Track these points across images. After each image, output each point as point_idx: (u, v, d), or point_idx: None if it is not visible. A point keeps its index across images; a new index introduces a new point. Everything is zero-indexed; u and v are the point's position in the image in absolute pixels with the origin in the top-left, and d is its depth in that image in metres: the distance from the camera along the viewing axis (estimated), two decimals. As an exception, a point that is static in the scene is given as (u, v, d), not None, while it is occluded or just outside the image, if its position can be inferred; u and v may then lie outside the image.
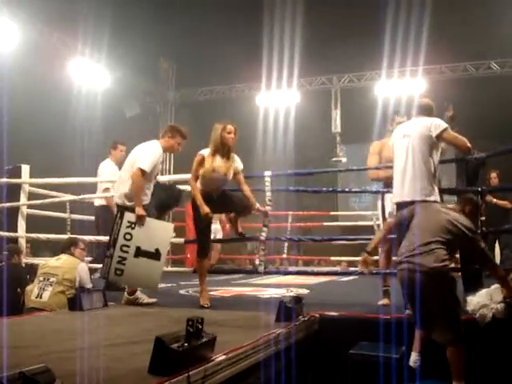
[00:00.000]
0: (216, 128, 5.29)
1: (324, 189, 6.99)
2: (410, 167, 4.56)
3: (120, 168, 5.84)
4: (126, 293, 5.16)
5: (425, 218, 3.95)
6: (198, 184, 5.15)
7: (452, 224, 3.81)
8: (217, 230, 9.97)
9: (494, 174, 8.08)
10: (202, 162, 5.15)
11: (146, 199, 5.06)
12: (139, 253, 4.78)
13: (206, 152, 5.22)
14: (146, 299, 5.16)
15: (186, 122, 16.78)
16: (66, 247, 5.64)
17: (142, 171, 4.95)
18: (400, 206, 4.53)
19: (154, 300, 5.20)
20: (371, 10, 11.06)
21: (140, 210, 4.85)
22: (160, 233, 4.94)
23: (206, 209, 4.93)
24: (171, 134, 5.35)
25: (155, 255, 4.81)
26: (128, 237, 4.79)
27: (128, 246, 4.78)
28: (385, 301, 5.12)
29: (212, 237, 9.85)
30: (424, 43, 11.58)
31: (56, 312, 4.84)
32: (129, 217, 4.83)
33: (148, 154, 5.11)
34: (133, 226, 4.81)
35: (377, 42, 11.69)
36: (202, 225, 5.19)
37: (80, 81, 12.88)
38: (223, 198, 5.26)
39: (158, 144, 5.28)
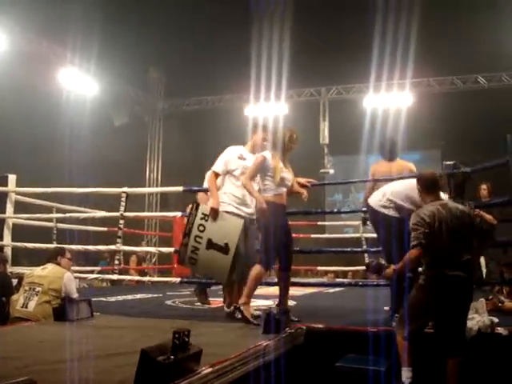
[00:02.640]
0: (285, 133, 5.05)
1: (313, 210, 6.99)
2: None
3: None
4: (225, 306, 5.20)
5: None
6: (268, 193, 4.86)
7: None
8: None
9: (483, 186, 8.02)
10: (264, 162, 4.89)
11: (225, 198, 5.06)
12: (210, 245, 4.87)
13: (267, 154, 4.95)
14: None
15: (174, 132, 16.83)
16: (52, 256, 5.59)
17: (213, 172, 5.13)
18: None
19: (259, 312, 4.97)
20: (360, 22, 11.16)
21: (214, 203, 4.92)
22: (230, 227, 4.95)
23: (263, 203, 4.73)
24: (254, 130, 5.34)
25: (224, 249, 4.86)
26: (201, 228, 4.90)
27: (201, 238, 4.89)
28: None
29: None
30: (412, 57, 11.67)
31: (41, 322, 4.79)
32: (203, 209, 4.95)
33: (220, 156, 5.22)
34: (206, 218, 4.91)
35: (365, 55, 11.78)
36: (275, 232, 4.78)
37: (69, 89, 12.87)
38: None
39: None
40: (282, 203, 4.90)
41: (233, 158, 5.16)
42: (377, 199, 4.86)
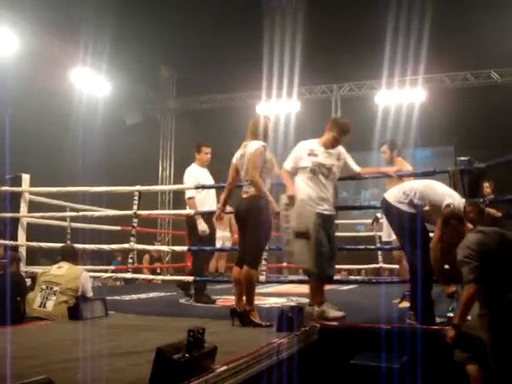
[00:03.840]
0: (265, 120, 4.98)
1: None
2: None
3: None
4: (308, 305, 4.95)
5: None
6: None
7: None
8: (225, 237, 9.93)
9: (486, 184, 8.01)
10: (264, 154, 4.72)
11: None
12: (297, 234, 4.74)
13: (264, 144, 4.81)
14: (332, 313, 4.80)
15: (186, 131, 16.84)
16: (68, 255, 5.60)
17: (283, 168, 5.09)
18: None
19: (341, 313, 4.85)
20: (372, 19, 11.11)
21: (291, 190, 4.88)
22: (307, 214, 4.81)
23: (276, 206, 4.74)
24: (329, 126, 5.26)
25: (307, 235, 4.71)
26: (287, 219, 4.80)
27: (288, 228, 4.79)
28: (404, 303, 5.20)
29: (220, 244, 9.86)
30: (424, 52, 11.61)
31: (56, 321, 4.81)
32: (283, 199, 4.88)
33: None
34: (287, 208, 4.82)
35: (377, 51, 11.73)
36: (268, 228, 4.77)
37: (81, 89, 12.93)
38: None
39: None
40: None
41: (303, 155, 5.04)
42: (392, 195, 4.85)
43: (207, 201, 6.64)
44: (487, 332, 3.62)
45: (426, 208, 4.57)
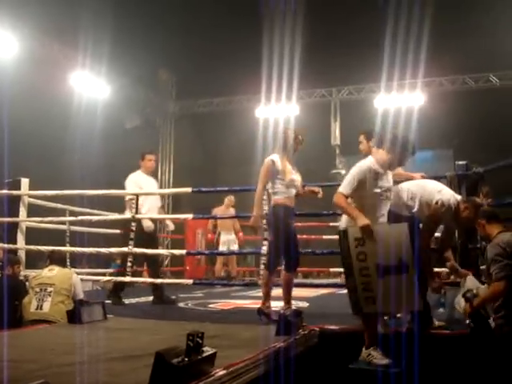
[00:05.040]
0: (285, 133, 5.18)
1: (324, 212, 6.92)
2: None
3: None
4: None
5: None
6: (279, 196, 4.99)
7: None
8: (230, 240, 9.96)
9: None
10: (272, 167, 5.00)
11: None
12: (384, 270, 3.88)
13: (275, 157, 5.05)
14: (380, 360, 3.94)
15: (186, 134, 16.85)
16: (58, 260, 5.67)
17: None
18: None
19: (387, 361, 3.91)
20: (370, 22, 11.13)
21: (361, 220, 3.95)
22: (396, 237, 3.93)
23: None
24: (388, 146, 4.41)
25: (401, 266, 3.86)
26: (362, 257, 3.94)
27: (367, 268, 3.92)
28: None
29: (226, 248, 9.92)
30: (423, 56, 11.62)
31: (55, 325, 4.81)
32: (353, 232, 3.99)
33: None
34: (361, 241, 3.95)
35: (376, 55, 11.73)
36: (286, 235, 4.91)
37: (80, 92, 12.93)
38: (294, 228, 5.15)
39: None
40: (291, 206, 5.01)
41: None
42: None
43: (145, 203, 7.00)
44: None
45: (417, 207, 4.60)
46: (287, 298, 5.03)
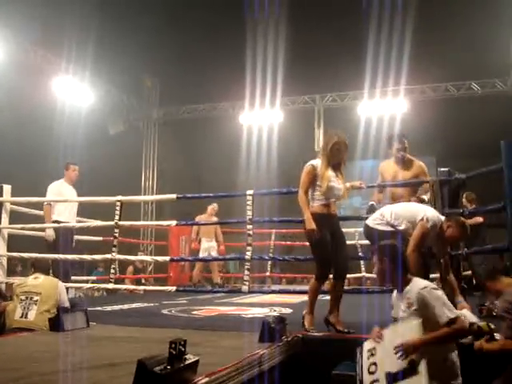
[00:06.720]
0: (326, 138, 5.07)
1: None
2: None
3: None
4: None
5: None
6: (315, 203, 4.77)
7: None
8: (211, 247, 9.96)
9: (465, 195, 8.05)
10: (312, 171, 4.79)
11: None
12: (393, 379, 3.46)
13: (316, 162, 4.83)
14: None
15: (170, 140, 16.83)
16: (44, 268, 5.64)
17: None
18: None
19: None
20: (354, 30, 11.21)
21: (374, 332, 3.66)
22: (407, 337, 3.47)
23: (313, 225, 4.62)
24: None
25: (412, 369, 3.39)
26: (373, 369, 3.60)
27: (378, 381, 3.53)
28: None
29: (206, 254, 9.89)
30: (406, 64, 11.74)
31: (37, 333, 4.77)
32: (367, 345, 3.70)
33: None
34: (373, 352, 3.64)
35: (359, 62, 11.83)
36: (322, 243, 4.72)
37: (64, 98, 12.88)
38: (338, 236, 4.85)
39: None
40: (328, 213, 4.76)
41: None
42: (371, 219, 5.05)
43: (63, 212, 7.35)
44: None
45: (403, 226, 4.76)
46: (310, 305, 4.83)
